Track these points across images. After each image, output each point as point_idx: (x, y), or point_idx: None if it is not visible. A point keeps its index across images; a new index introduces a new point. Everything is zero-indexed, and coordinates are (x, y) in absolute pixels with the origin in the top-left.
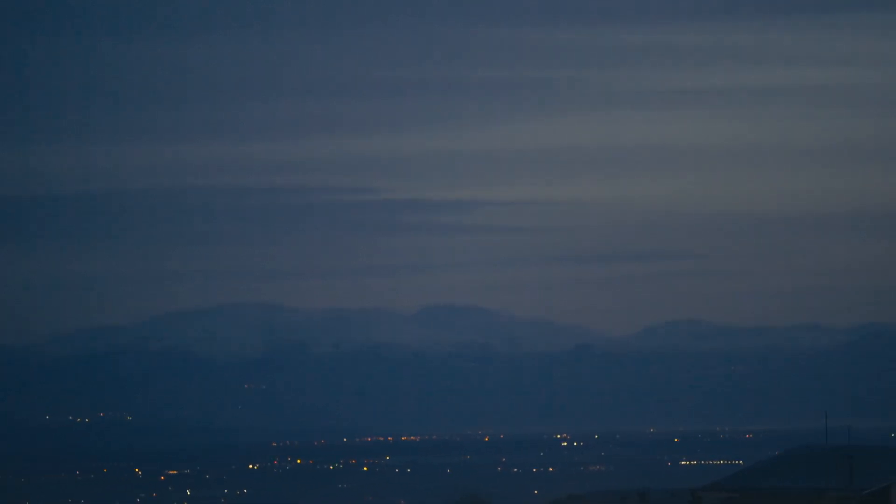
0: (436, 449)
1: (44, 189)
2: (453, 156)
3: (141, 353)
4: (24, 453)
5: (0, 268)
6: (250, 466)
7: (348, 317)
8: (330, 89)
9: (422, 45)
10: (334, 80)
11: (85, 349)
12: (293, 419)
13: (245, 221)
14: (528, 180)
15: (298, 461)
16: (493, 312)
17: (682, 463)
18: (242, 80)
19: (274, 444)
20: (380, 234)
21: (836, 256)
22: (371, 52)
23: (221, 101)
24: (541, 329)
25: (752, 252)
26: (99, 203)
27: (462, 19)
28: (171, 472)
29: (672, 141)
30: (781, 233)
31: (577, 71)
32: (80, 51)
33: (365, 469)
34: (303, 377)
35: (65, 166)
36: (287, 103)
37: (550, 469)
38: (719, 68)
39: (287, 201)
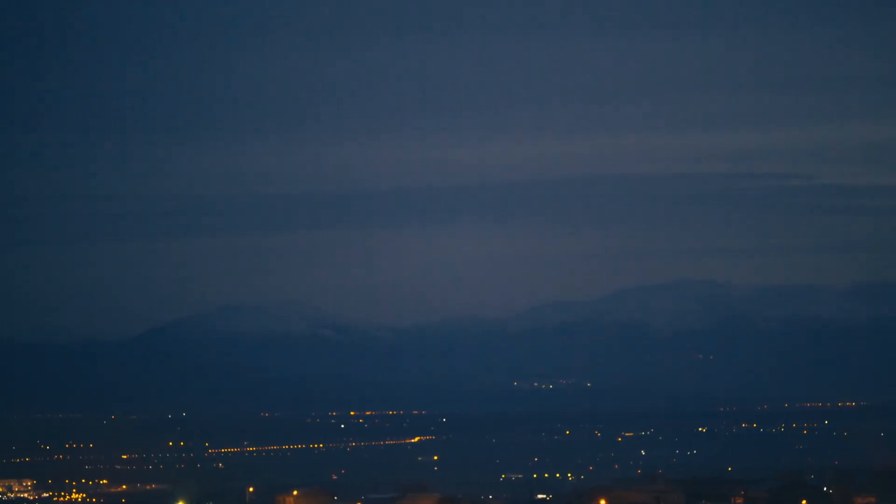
0: (870, 414)
1: (519, 175)
2: (874, 146)
3: (600, 325)
4: (494, 416)
5: (476, 246)
6: (699, 429)
7: (786, 292)
8: (761, 83)
9: (848, 41)
10: (768, 74)
11: (550, 321)
12: (738, 386)
13: (693, 205)
14: None
15: (744, 424)
16: None
17: None
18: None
19: (721, 409)
20: (809, 215)
21: None
22: (801, 48)
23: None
24: None
25: None
26: (559, 188)
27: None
28: (626, 434)
29: None
30: None
31: None
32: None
33: (804, 432)
34: (746, 348)
35: (519, 156)
36: (719, 97)
37: None
38: None
39: (725, 186)
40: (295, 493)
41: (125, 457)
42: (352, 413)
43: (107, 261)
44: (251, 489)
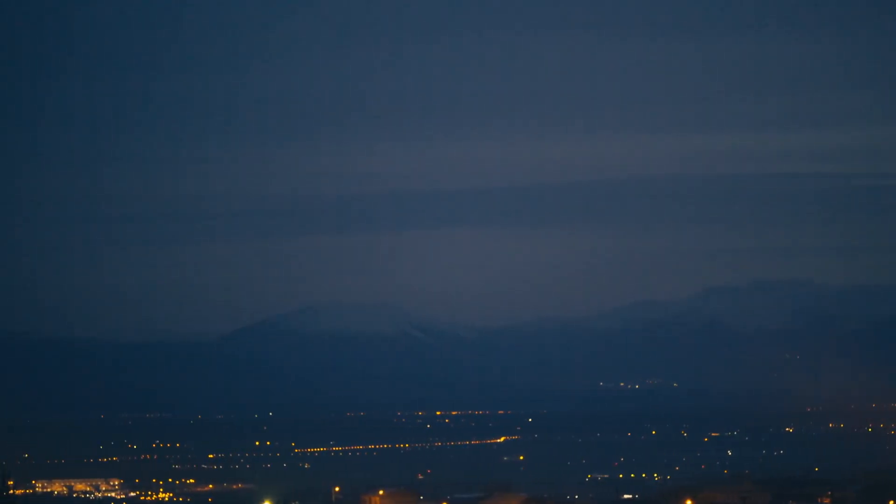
0: None
1: (603, 175)
2: None
3: (686, 325)
4: (579, 416)
5: (563, 246)
6: (786, 430)
7: (872, 291)
8: (850, 81)
9: None
10: (857, 72)
11: (634, 322)
12: (827, 386)
13: (781, 205)
14: None
15: (830, 425)
16: None
17: None
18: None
19: (808, 409)
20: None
21: None
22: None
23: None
24: None
25: None
26: (646, 188)
27: None
28: (713, 434)
29: None
30: None
31: None
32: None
33: (892, 433)
34: (833, 348)
35: (606, 155)
36: (806, 96)
37: None
38: None
39: (812, 185)
40: (381, 492)
41: (211, 456)
42: (437, 413)
43: (196, 261)
44: (337, 489)
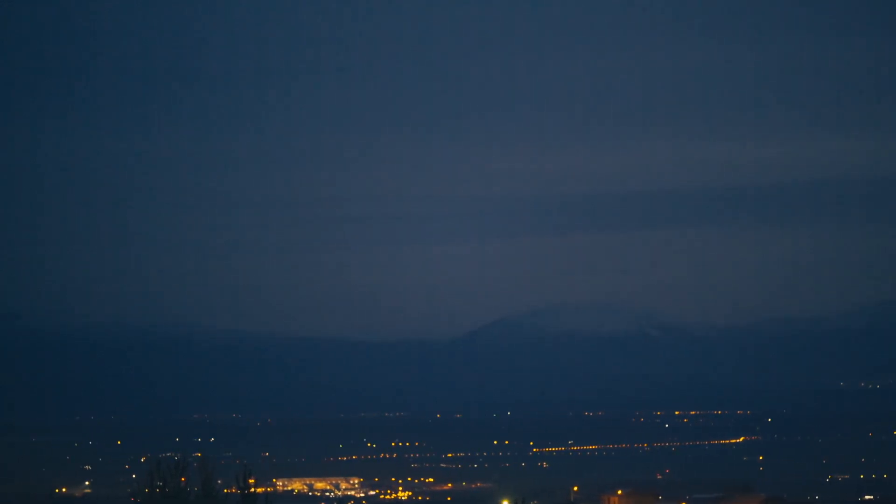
0: None
1: (847, 173)
2: None
3: None
4: (819, 415)
5: (801, 246)
6: None
7: None
8: None
9: None
10: None
11: (879, 321)
12: None
13: None
14: None
15: None
16: None
17: None
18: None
19: None
20: None
21: None
22: None
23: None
24: None
25: None
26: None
27: None
28: None
29: None
30: None
31: None
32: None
33: None
34: None
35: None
36: None
37: None
38: None
39: None
40: (619, 492)
41: (450, 455)
42: (676, 412)
43: (440, 261)
44: (576, 488)
